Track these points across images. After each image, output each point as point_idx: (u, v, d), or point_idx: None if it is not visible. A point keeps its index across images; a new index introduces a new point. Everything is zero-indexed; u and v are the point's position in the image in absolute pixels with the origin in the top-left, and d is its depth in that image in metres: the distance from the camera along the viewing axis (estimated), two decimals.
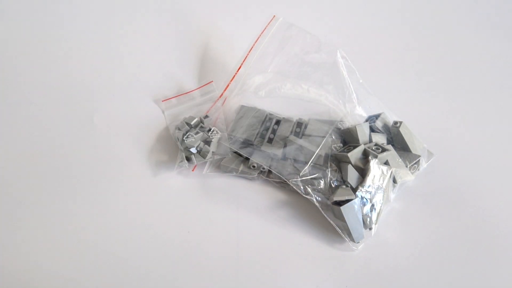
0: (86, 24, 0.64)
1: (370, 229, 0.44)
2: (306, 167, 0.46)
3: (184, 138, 0.48)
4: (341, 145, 0.48)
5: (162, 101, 0.55)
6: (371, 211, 0.44)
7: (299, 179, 0.45)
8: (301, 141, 0.48)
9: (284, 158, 0.48)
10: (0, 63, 0.59)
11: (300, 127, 0.50)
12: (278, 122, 0.51)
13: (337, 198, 0.43)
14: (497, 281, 0.42)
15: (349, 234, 0.43)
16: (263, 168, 0.48)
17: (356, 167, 0.45)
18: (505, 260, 0.43)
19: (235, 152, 0.49)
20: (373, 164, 0.44)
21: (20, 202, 0.46)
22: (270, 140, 0.50)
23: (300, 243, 0.44)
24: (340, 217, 0.43)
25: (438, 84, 0.59)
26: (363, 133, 0.47)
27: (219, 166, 0.49)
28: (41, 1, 0.66)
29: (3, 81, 0.57)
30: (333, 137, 0.48)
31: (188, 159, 0.48)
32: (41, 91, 0.56)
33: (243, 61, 0.53)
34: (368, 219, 0.43)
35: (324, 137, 0.48)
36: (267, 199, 0.47)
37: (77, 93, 0.56)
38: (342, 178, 0.45)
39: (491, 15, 0.65)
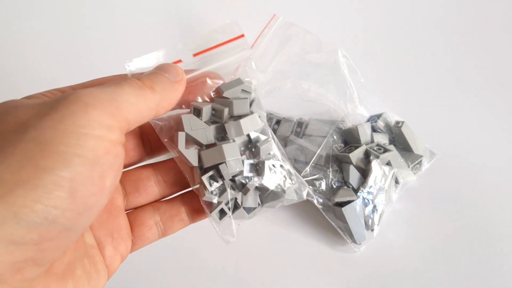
0: (85, 23, 0.64)
1: (372, 230, 0.43)
2: (307, 168, 0.45)
3: None
4: (342, 145, 0.47)
5: None
6: (373, 212, 0.43)
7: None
8: (301, 141, 0.47)
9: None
10: None
11: (300, 127, 0.50)
12: (278, 122, 0.51)
13: (338, 199, 0.42)
14: (501, 281, 0.42)
15: (351, 236, 0.42)
16: None
17: (358, 168, 0.44)
18: (509, 261, 0.43)
19: None
20: (375, 164, 0.44)
21: None
22: None
23: (300, 245, 0.44)
24: (341, 218, 0.42)
25: (440, 84, 0.58)
26: (364, 133, 0.47)
27: None
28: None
29: (1, 81, 0.57)
30: (334, 137, 0.48)
31: None
32: (37, 89, 0.56)
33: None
34: (370, 220, 0.43)
35: (325, 137, 0.47)
36: None
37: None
38: (343, 178, 0.45)
39: (492, 15, 0.65)
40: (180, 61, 0.29)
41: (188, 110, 0.29)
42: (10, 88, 0.57)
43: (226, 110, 0.29)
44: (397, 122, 0.48)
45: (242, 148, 0.29)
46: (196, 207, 0.30)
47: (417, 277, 0.42)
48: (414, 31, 0.63)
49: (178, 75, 0.27)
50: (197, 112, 0.29)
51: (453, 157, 0.50)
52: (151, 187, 0.30)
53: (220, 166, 0.28)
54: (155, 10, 0.67)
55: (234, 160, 0.28)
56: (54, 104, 0.21)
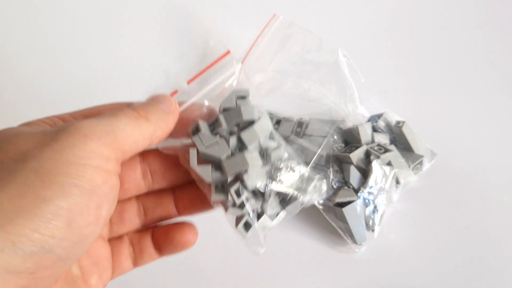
0: (83, 23, 0.64)
1: (373, 230, 0.43)
2: (307, 168, 0.45)
3: None
4: (343, 145, 0.47)
5: None
6: (373, 212, 0.43)
7: None
8: (302, 141, 0.47)
9: None
10: None
11: (300, 127, 0.50)
12: (278, 122, 0.51)
13: (339, 199, 0.42)
14: (503, 282, 0.41)
15: (351, 236, 0.42)
16: None
17: (358, 168, 0.44)
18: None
19: None
20: (375, 164, 0.43)
21: None
22: None
23: (301, 245, 0.44)
24: (342, 219, 0.42)
25: (441, 83, 0.58)
26: (365, 133, 0.46)
27: None
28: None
29: None
30: (335, 137, 0.47)
31: None
32: (36, 93, 0.56)
33: (243, 60, 0.53)
34: (371, 221, 0.43)
35: (325, 137, 0.47)
36: None
37: (73, 94, 0.56)
38: (344, 179, 0.45)
39: (493, 14, 0.64)
40: (176, 91, 0.30)
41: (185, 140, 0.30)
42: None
43: (221, 117, 0.29)
44: (398, 122, 0.48)
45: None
46: (162, 243, 0.31)
47: (418, 278, 0.42)
48: (415, 30, 0.63)
49: (172, 106, 0.28)
50: (196, 129, 0.29)
51: (454, 157, 0.50)
52: (134, 218, 0.30)
53: (245, 176, 0.28)
54: (153, 9, 0.67)
55: (257, 168, 0.28)
56: (54, 135, 0.22)
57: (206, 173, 0.28)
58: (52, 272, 0.21)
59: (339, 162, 0.46)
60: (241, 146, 0.29)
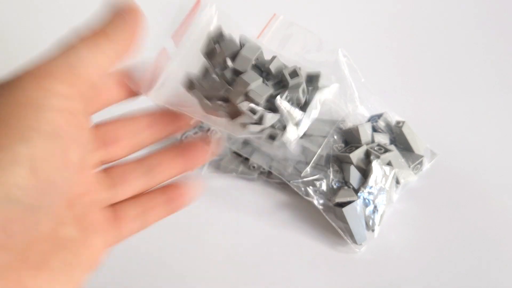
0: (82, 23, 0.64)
1: (373, 230, 0.43)
2: (307, 168, 0.45)
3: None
4: (343, 145, 0.47)
5: None
6: (373, 212, 0.43)
7: (300, 180, 0.44)
8: (302, 141, 0.47)
9: (285, 158, 0.47)
10: None
11: None
12: None
13: (339, 199, 0.42)
14: (505, 283, 0.41)
15: (351, 236, 0.42)
16: (264, 169, 0.47)
17: (358, 168, 0.44)
18: None
19: (235, 152, 0.49)
20: (376, 164, 0.43)
21: None
22: None
23: (301, 246, 0.44)
24: (342, 219, 0.42)
25: (441, 83, 0.58)
26: (365, 133, 0.46)
27: (218, 167, 0.49)
28: None
29: None
30: (335, 137, 0.47)
31: None
32: None
33: None
34: (371, 221, 0.43)
35: (325, 137, 0.47)
36: (268, 201, 0.46)
37: None
38: (344, 179, 0.45)
39: (493, 14, 0.64)
40: (164, 50, 0.30)
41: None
42: None
43: (208, 63, 0.29)
44: (398, 122, 0.48)
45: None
46: (173, 197, 0.29)
47: (418, 278, 0.42)
48: (415, 30, 0.63)
49: (128, 5, 0.24)
50: (190, 83, 0.28)
51: (454, 157, 0.50)
52: (139, 178, 0.29)
53: (251, 94, 0.27)
54: (154, 9, 0.67)
55: (260, 83, 0.28)
56: (3, 80, 0.21)
57: (218, 120, 0.28)
58: (25, 224, 0.20)
59: (339, 162, 0.46)
60: (238, 75, 0.28)
